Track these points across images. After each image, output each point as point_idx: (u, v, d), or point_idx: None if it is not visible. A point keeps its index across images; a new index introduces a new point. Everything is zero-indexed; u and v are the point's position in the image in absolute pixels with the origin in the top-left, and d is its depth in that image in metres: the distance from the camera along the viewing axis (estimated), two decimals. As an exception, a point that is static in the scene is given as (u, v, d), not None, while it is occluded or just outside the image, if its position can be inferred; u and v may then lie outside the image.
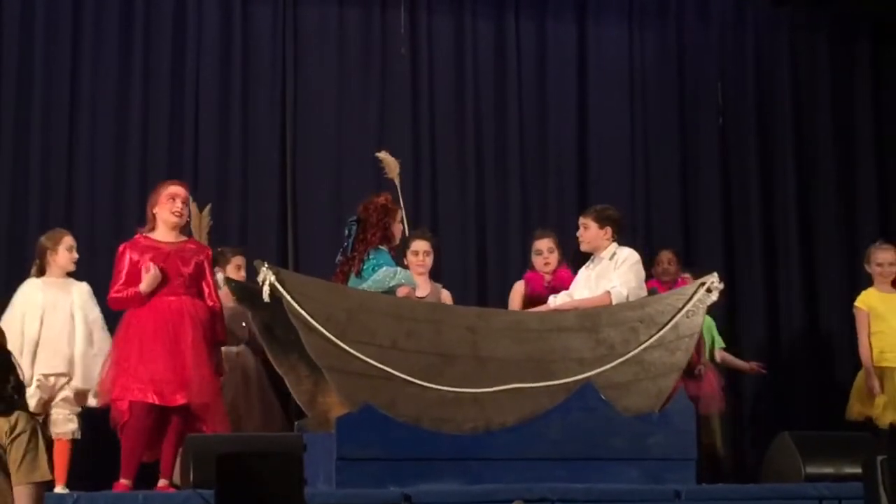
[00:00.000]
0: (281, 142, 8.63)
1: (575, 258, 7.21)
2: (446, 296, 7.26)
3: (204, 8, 8.60)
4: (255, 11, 8.72)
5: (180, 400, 6.20)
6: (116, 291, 6.39)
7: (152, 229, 6.50)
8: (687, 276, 7.82)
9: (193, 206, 7.56)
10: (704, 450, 7.64)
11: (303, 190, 8.62)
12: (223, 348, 6.90)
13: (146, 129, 8.37)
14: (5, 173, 8.10)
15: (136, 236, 6.53)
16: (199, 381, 6.22)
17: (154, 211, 6.49)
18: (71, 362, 6.67)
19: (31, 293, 6.78)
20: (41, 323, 6.68)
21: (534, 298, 7.13)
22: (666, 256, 8.05)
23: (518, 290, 7.32)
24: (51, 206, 8.12)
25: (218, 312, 6.48)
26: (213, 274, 6.62)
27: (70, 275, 6.88)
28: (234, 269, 7.26)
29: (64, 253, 6.84)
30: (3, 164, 8.10)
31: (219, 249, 7.38)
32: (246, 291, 6.07)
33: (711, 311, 7.82)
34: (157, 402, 6.18)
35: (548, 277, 7.23)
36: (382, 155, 7.62)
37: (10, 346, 6.44)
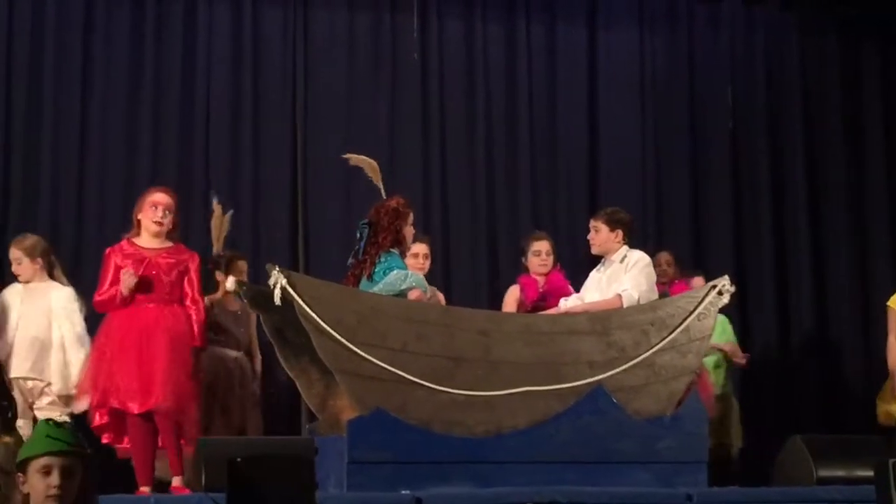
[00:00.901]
0: (292, 146, 8.65)
1: (585, 261, 7.23)
2: (440, 298, 7.27)
3: (214, 12, 8.62)
4: (266, 15, 8.75)
5: (148, 405, 6.22)
6: (100, 294, 6.45)
7: (137, 235, 6.52)
8: (698, 279, 7.80)
9: (218, 209, 7.61)
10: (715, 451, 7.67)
11: (313, 193, 8.64)
12: (224, 350, 7.07)
13: (157, 133, 8.40)
14: (16, 178, 8.13)
15: (122, 241, 6.55)
16: (168, 387, 6.23)
17: (138, 217, 6.52)
18: (45, 367, 6.70)
19: (9, 299, 6.85)
20: (16, 328, 6.72)
21: (527, 302, 7.14)
22: (664, 258, 8.03)
23: (513, 294, 7.32)
24: (60, 210, 8.15)
25: (199, 319, 6.48)
26: (199, 279, 6.60)
27: (55, 279, 6.90)
28: (237, 274, 7.27)
29: (13, 263, 6.91)
30: (14, 169, 8.13)
31: (221, 254, 7.40)
32: (257, 294, 6.07)
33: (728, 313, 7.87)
34: (130, 410, 6.23)
35: (541, 281, 7.24)
36: (355, 157, 7.46)
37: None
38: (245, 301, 6.24)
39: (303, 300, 5.70)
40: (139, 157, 8.33)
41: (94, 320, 6.83)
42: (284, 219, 8.54)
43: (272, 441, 6.41)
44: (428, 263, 7.23)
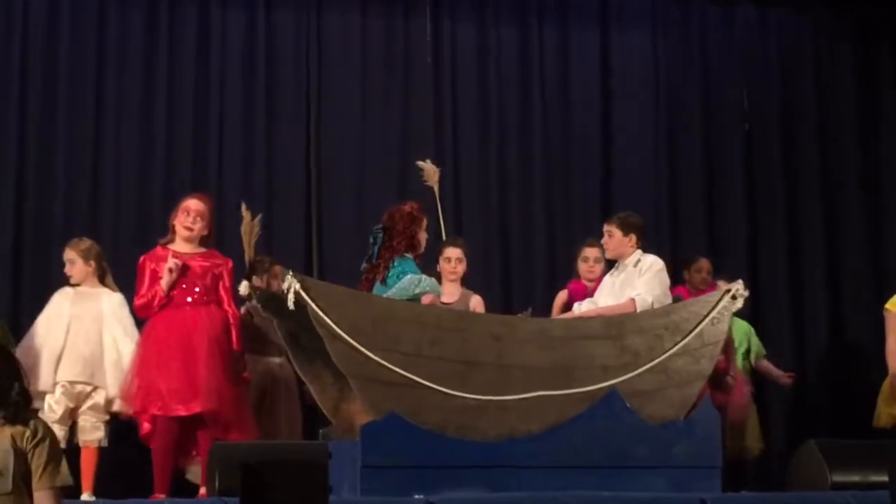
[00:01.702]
0: (305, 151, 8.66)
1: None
2: (477, 302, 7.26)
3: (228, 17, 8.64)
4: (279, 20, 8.75)
5: (195, 408, 6.28)
6: (140, 298, 6.54)
7: (171, 241, 6.61)
8: (720, 283, 7.79)
9: (247, 214, 7.66)
10: (734, 455, 7.65)
11: (327, 198, 8.65)
12: (268, 359, 7.11)
13: (171, 138, 8.41)
14: (31, 185, 8.15)
15: (157, 248, 6.64)
16: (212, 390, 6.30)
17: (173, 223, 6.62)
18: (94, 371, 6.71)
19: (60, 302, 6.87)
20: (67, 331, 6.73)
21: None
22: (705, 266, 8.03)
23: (561, 298, 7.41)
24: (75, 216, 8.16)
25: (235, 323, 6.57)
26: (233, 284, 6.66)
27: (105, 285, 6.94)
28: (273, 277, 7.30)
29: (67, 264, 6.93)
30: (28, 175, 8.15)
31: (258, 258, 7.44)
32: (271, 300, 6.08)
33: (744, 318, 7.85)
34: (176, 414, 6.27)
35: (591, 286, 7.25)
36: (423, 164, 7.65)
37: (33, 353, 6.55)
38: (258, 306, 6.26)
39: (316, 305, 5.70)
40: (153, 162, 8.35)
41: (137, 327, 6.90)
42: (298, 223, 8.55)
43: (285, 445, 6.41)
44: (461, 267, 7.24)
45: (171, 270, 6.47)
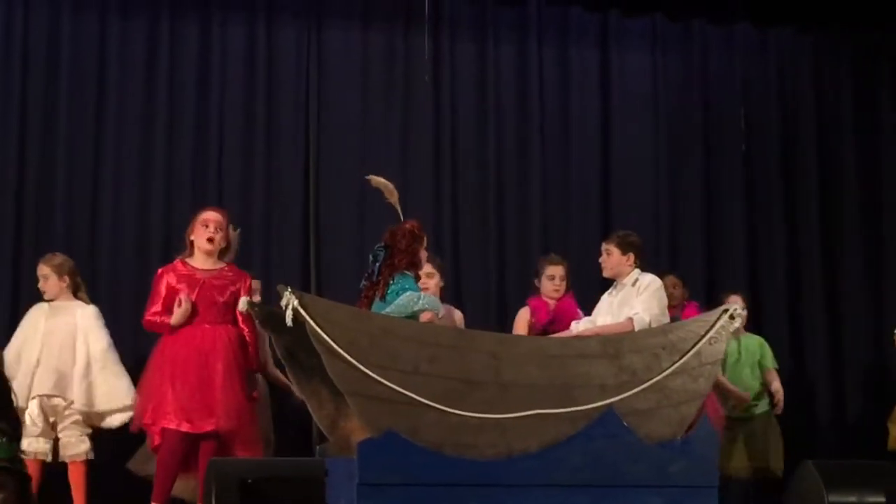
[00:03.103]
0: (304, 167, 8.68)
1: (597, 284, 7.22)
2: (459, 317, 7.27)
3: (228, 33, 8.67)
4: (279, 36, 8.78)
5: (208, 427, 6.30)
6: (151, 315, 6.57)
7: (190, 255, 6.61)
8: (735, 296, 7.78)
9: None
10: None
11: (326, 215, 8.66)
12: None
13: (170, 152, 8.44)
14: (30, 193, 8.17)
15: (175, 261, 6.64)
16: (228, 408, 6.32)
17: (191, 237, 6.61)
18: (68, 385, 6.71)
19: (35, 317, 6.89)
20: (41, 346, 6.75)
21: (537, 326, 7.16)
22: (670, 281, 8.01)
23: (524, 316, 7.37)
24: (74, 229, 8.17)
25: (252, 340, 6.57)
26: None
27: (79, 299, 6.94)
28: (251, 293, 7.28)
29: (40, 280, 6.92)
30: (28, 185, 8.18)
31: None
32: (269, 315, 6.08)
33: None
34: (186, 430, 6.27)
35: (552, 304, 7.26)
36: (375, 180, 7.49)
37: (11, 369, 6.57)
38: (257, 322, 6.26)
39: (315, 321, 5.68)
40: (153, 177, 8.38)
41: (132, 339, 6.89)
42: (297, 239, 8.56)
43: (282, 462, 6.41)
44: (431, 283, 7.23)
45: (180, 304, 6.45)
